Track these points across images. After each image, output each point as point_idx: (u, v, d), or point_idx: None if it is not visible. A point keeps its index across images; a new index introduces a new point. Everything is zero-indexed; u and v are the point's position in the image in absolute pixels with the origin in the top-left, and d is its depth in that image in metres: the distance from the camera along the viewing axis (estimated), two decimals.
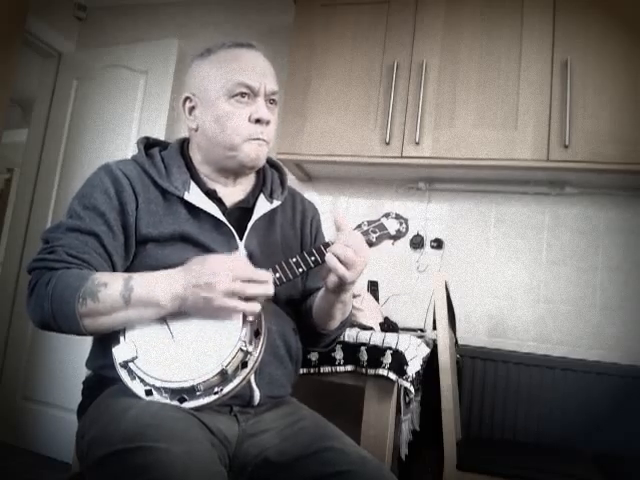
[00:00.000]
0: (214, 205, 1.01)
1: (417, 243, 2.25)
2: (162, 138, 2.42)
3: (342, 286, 0.96)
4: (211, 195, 1.03)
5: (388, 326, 1.65)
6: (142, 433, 0.73)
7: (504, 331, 2.13)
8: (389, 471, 0.92)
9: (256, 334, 0.87)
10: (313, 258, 0.95)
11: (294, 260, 0.94)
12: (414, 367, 1.32)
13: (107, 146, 2.55)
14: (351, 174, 2.31)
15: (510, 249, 2.17)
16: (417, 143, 1.96)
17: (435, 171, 2.14)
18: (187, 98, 1.05)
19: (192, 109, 1.05)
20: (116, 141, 2.53)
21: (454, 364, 1.72)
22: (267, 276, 0.87)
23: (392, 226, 1.04)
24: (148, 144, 1.09)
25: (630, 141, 1.76)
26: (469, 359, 2.06)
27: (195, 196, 1.01)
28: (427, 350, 1.63)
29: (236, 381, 0.83)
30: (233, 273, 0.83)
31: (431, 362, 1.64)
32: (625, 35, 1.83)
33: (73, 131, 2.70)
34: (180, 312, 0.86)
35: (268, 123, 1.02)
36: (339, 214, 0.98)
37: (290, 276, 0.93)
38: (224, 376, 0.82)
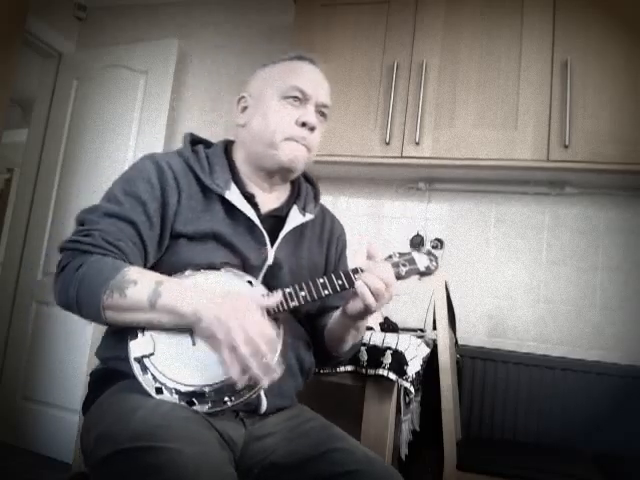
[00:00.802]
0: (251, 208, 1.02)
1: (417, 243, 2.25)
2: (161, 138, 2.45)
3: (364, 314, 0.96)
4: (249, 199, 1.03)
5: (388, 326, 1.65)
6: (152, 433, 0.72)
7: (504, 331, 2.13)
8: (396, 470, 0.92)
9: None
10: (340, 282, 0.93)
11: (321, 281, 0.93)
12: (414, 367, 1.32)
13: (107, 146, 2.55)
14: (351, 174, 2.31)
15: (510, 249, 2.17)
16: (417, 143, 1.96)
17: (435, 171, 2.14)
18: (242, 97, 1.09)
19: (245, 108, 1.08)
20: (116, 141, 2.54)
21: (454, 364, 1.72)
22: (272, 371, 0.81)
23: (422, 262, 1.03)
24: (193, 141, 1.10)
25: (630, 141, 1.76)
26: (469, 359, 2.06)
27: (235, 196, 1.01)
28: (427, 350, 1.63)
29: (248, 393, 0.83)
30: (252, 335, 0.79)
31: (431, 362, 1.64)
32: (625, 35, 1.83)
33: (73, 131, 2.70)
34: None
35: (313, 130, 1.03)
36: (372, 243, 0.97)
37: (315, 296, 0.92)
38: (235, 385, 0.81)
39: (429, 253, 1.05)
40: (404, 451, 1.41)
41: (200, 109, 2.65)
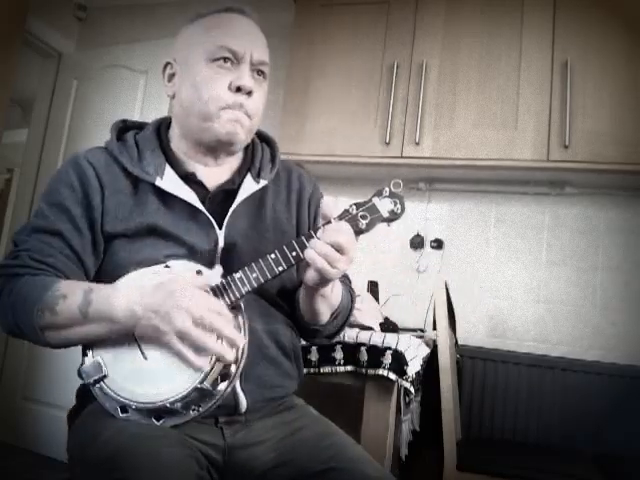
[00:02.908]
0: (190, 190, 0.91)
1: (417, 243, 2.25)
2: None
3: (324, 283, 0.86)
4: (189, 179, 0.93)
5: (388, 326, 1.65)
6: (117, 462, 0.68)
7: (504, 331, 2.13)
8: None
9: None
10: (294, 253, 0.83)
11: (273, 257, 0.82)
12: (414, 367, 1.32)
13: None
14: (351, 174, 2.31)
15: (510, 249, 2.17)
16: (417, 143, 1.95)
17: (435, 171, 2.14)
18: (168, 64, 0.97)
19: (172, 76, 0.97)
20: None
21: (454, 364, 1.72)
22: (236, 340, 0.76)
23: (385, 207, 0.88)
24: (125, 127, 1.00)
25: (630, 141, 1.76)
26: (469, 359, 2.06)
27: (169, 182, 0.91)
28: (427, 350, 1.63)
29: (216, 395, 0.78)
30: (199, 314, 0.73)
31: (431, 362, 1.64)
32: (625, 35, 1.83)
33: (73, 131, 2.70)
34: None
35: (250, 93, 0.91)
36: (327, 202, 0.86)
37: (269, 276, 0.82)
38: (202, 392, 0.77)
39: (392, 195, 0.89)
40: (404, 451, 1.41)
41: None
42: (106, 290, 0.79)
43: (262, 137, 1.07)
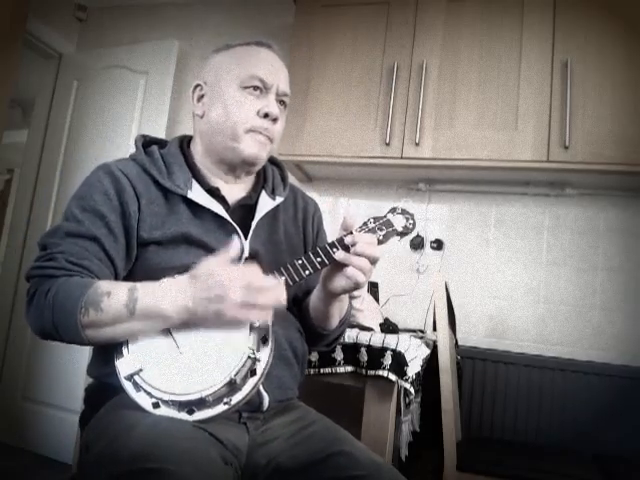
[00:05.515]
0: (217, 203, 0.98)
1: (417, 244, 2.25)
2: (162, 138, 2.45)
3: (352, 291, 0.95)
4: (214, 193, 0.99)
5: (388, 327, 1.65)
6: (153, 453, 0.69)
7: (504, 332, 2.13)
8: (402, 476, 0.89)
9: (263, 340, 0.84)
10: (319, 259, 0.91)
11: (300, 262, 0.90)
12: (414, 368, 1.32)
13: (107, 146, 2.55)
14: (351, 175, 2.31)
15: (510, 250, 2.17)
16: (417, 144, 1.95)
17: (435, 172, 2.14)
18: (198, 86, 1.05)
19: (201, 97, 1.04)
20: (116, 141, 2.54)
21: (454, 365, 1.72)
22: (278, 284, 0.83)
23: (399, 222, 1.02)
24: (146, 142, 1.06)
25: (630, 142, 1.76)
26: (469, 360, 2.06)
27: (198, 194, 0.97)
28: (427, 351, 1.63)
29: (245, 390, 0.81)
30: (244, 282, 0.78)
31: (431, 363, 1.64)
32: (625, 35, 1.83)
33: (73, 132, 2.70)
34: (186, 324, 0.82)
35: (275, 120, 1.00)
36: (349, 215, 0.94)
37: (297, 279, 0.89)
38: (233, 386, 0.79)
39: (404, 212, 1.04)
40: (404, 452, 1.40)
41: None
42: (151, 287, 0.82)
43: (271, 160, 1.15)
